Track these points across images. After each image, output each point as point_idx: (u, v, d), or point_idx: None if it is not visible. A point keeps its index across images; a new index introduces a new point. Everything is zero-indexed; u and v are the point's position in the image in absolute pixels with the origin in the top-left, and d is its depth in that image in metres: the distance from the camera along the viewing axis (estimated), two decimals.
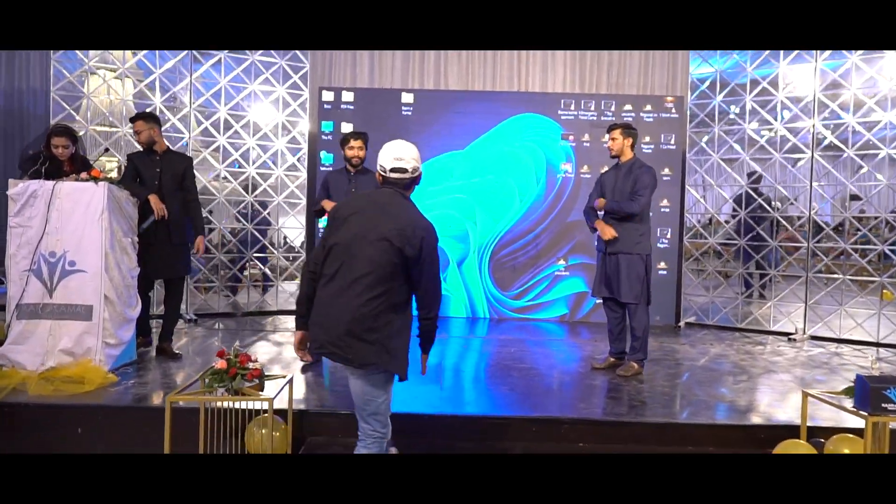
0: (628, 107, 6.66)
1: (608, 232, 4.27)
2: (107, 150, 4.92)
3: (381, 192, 2.51)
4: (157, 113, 6.03)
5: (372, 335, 2.31)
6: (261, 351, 4.88)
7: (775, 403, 3.81)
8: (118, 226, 3.94)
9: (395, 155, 2.50)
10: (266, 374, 2.97)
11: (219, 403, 2.84)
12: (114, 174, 5.46)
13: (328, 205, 4.25)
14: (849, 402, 2.93)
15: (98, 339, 3.80)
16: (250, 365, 2.84)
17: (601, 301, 6.58)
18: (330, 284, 2.37)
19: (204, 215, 6.22)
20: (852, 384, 2.92)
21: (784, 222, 6.22)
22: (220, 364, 2.79)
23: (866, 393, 2.68)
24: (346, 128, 6.71)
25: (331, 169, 4.58)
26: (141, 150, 4.48)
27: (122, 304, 3.97)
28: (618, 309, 4.51)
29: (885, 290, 6.26)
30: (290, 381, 3.11)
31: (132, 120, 4.49)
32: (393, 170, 2.48)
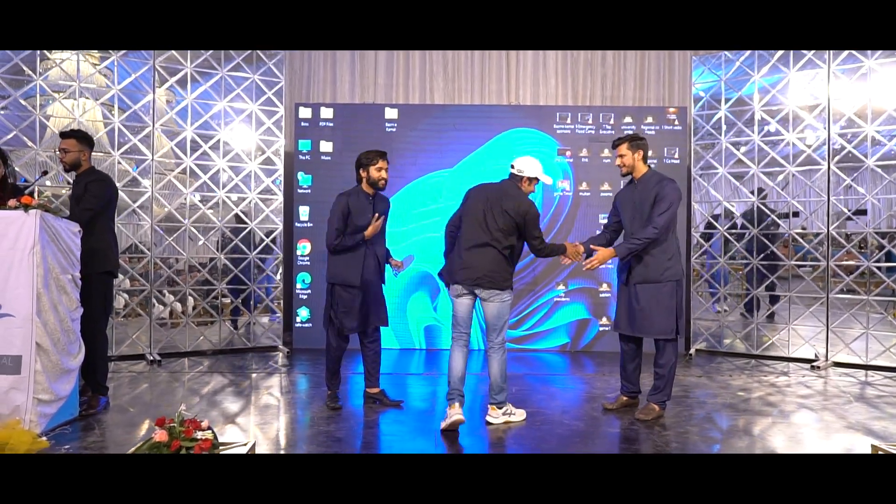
0: (628, 119, 6.23)
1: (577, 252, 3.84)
2: (45, 172, 4.34)
3: (505, 182, 3.70)
4: (116, 133, 5.51)
5: (502, 271, 3.58)
6: (229, 401, 4.29)
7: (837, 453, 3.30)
8: (55, 261, 3.37)
9: (531, 165, 3.69)
10: (220, 443, 2.41)
11: None
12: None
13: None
14: None
15: (28, 396, 3.21)
16: (199, 434, 2.27)
17: (604, 329, 6.17)
18: (468, 240, 3.60)
19: (168, 241, 5.76)
20: None
21: (801, 240, 5.78)
22: (159, 436, 2.22)
23: None
24: (326, 146, 6.22)
25: (340, 194, 4.00)
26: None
27: (60, 353, 3.38)
28: (636, 344, 3.98)
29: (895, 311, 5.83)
30: (253, 449, 2.54)
31: (63, 135, 3.92)
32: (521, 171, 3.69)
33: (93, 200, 3.79)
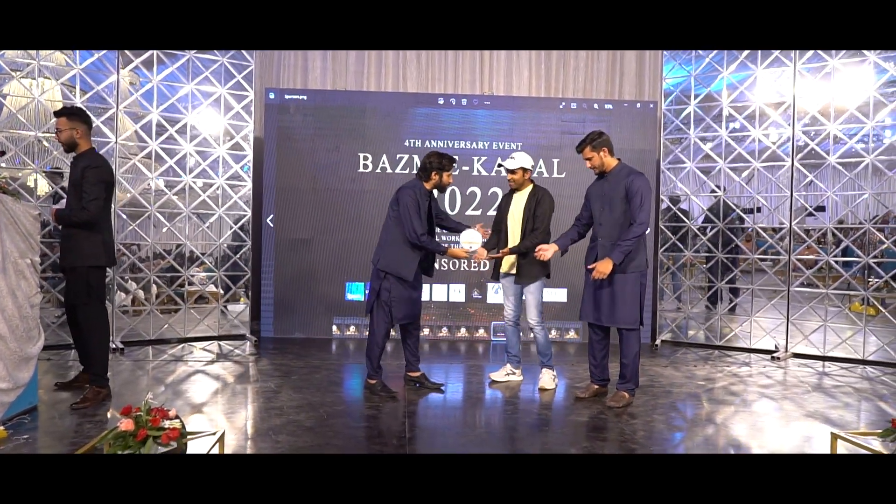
0: (598, 111, 6.27)
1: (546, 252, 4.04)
2: (1, 153, 4.17)
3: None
4: None
5: None
6: (195, 390, 4.22)
7: (802, 443, 3.39)
8: (13, 245, 3.25)
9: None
10: (189, 432, 2.36)
11: None
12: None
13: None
14: (885, 447, 2.52)
15: None
16: (166, 423, 2.22)
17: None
18: None
19: (132, 226, 5.62)
20: (891, 425, 2.51)
21: (764, 234, 5.92)
22: (125, 425, 2.17)
23: None
24: (299, 133, 6.11)
25: (407, 188, 4.11)
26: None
27: (18, 340, 3.27)
28: (604, 333, 4.05)
29: (855, 302, 6.02)
30: (222, 438, 2.50)
31: (55, 114, 3.82)
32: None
33: (95, 191, 3.63)
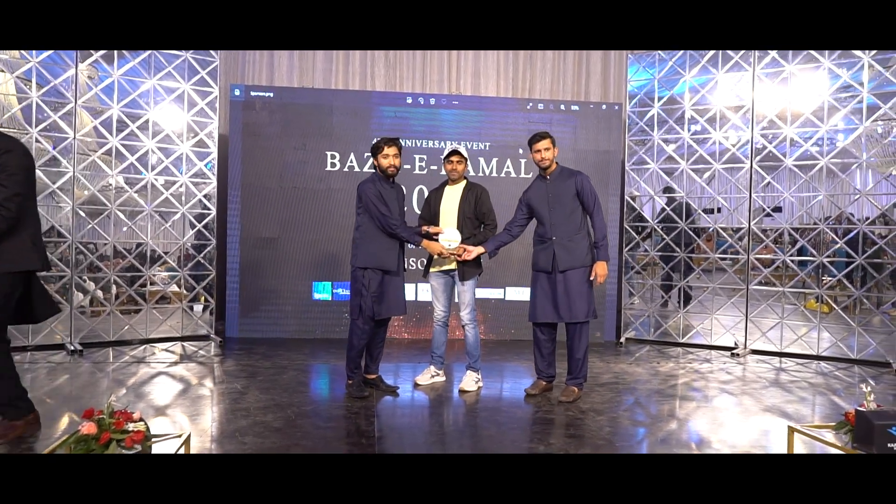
0: (565, 112, 6.36)
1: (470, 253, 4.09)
2: None
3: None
4: (35, 108, 5.16)
5: None
6: (158, 392, 4.13)
7: (760, 437, 3.49)
8: None
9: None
10: (153, 435, 2.31)
11: None
12: None
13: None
14: (839, 439, 2.62)
15: None
16: (130, 426, 2.18)
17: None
18: None
19: (91, 224, 5.46)
20: (844, 418, 2.61)
21: (724, 234, 6.09)
22: (87, 428, 2.11)
23: (870, 431, 2.36)
24: (265, 130, 6.04)
25: (365, 181, 4.01)
26: None
27: None
28: (552, 331, 4.16)
29: (810, 300, 6.22)
30: (188, 441, 2.45)
31: None
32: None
33: (14, 182, 2.84)
